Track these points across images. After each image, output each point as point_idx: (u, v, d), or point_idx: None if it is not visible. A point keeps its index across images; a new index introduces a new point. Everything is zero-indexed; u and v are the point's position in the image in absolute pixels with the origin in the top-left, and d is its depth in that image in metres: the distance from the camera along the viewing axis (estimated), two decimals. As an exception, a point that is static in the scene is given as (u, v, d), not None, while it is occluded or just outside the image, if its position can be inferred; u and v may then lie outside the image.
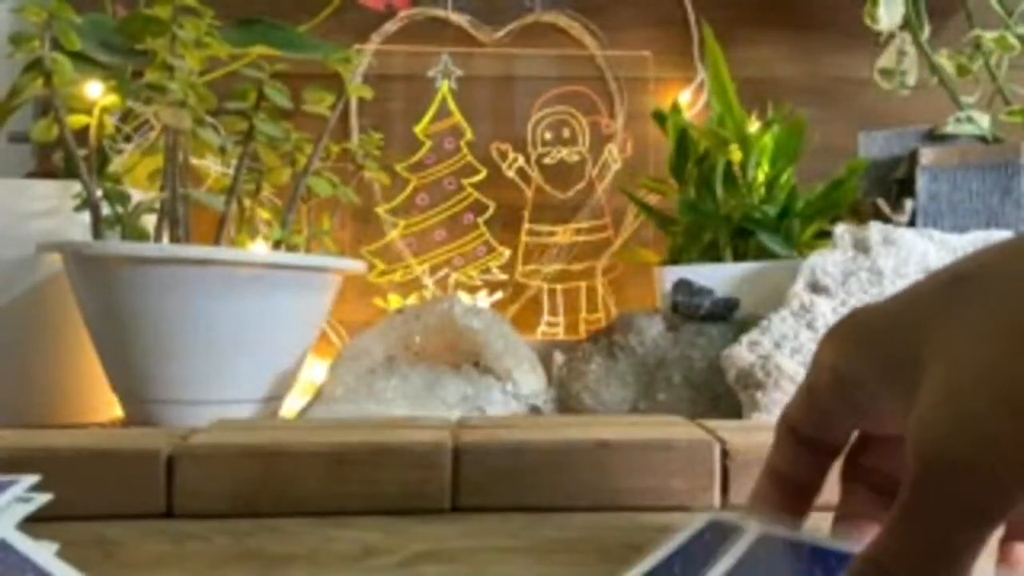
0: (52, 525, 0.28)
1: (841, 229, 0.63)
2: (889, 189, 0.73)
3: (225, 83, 0.64)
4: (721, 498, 0.36)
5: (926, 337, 0.21)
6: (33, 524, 0.26)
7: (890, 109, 0.87)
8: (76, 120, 0.59)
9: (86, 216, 0.58)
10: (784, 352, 0.55)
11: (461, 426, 0.39)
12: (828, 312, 0.57)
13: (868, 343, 0.23)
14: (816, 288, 0.60)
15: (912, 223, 0.69)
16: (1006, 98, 0.78)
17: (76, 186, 0.58)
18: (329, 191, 0.66)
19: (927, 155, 0.70)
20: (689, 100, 0.93)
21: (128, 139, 0.66)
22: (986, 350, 0.19)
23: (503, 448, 0.35)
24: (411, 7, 0.94)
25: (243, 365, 0.57)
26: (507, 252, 0.95)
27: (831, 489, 0.27)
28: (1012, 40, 0.76)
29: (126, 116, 0.65)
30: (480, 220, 0.95)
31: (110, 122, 0.62)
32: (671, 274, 0.68)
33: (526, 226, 0.95)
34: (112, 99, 0.60)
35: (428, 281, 0.93)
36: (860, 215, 0.72)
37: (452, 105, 0.95)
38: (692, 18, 0.95)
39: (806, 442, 0.26)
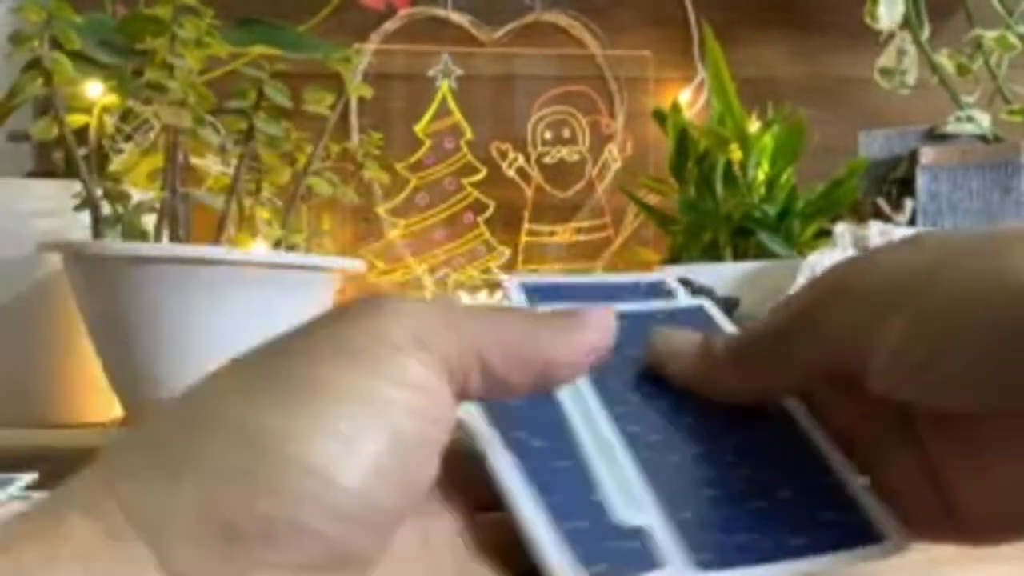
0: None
1: (841, 228, 0.63)
2: (889, 188, 0.73)
3: (225, 83, 0.64)
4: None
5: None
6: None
7: (890, 108, 0.87)
8: (76, 120, 0.59)
9: (86, 216, 0.58)
10: (784, 352, 0.55)
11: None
12: (828, 312, 0.57)
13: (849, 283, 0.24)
14: (816, 288, 0.60)
15: (912, 222, 0.69)
16: (1006, 97, 0.78)
17: (76, 186, 0.58)
18: (329, 191, 0.66)
19: (927, 154, 0.70)
20: (689, 100, 0.93)
21: (128, 139, 0.66)
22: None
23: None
24: (411, 6, 0.94)
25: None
26: (507, 252, 0.95)
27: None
28: (1012, 39, 0.76)
29: (126, 116, 0.65)
30: (480, 220, 0.95)
31: (110, 122, 0.62)
32: (671, 273, 0.68)
33: (526, 226, 0.95)
34: (112, 99, 0.60)
35: (428, 281, 0.93)
36: (860, 214, 0.72)
37: (452, 105, 0.95)
38: (692, 18, 0.95)
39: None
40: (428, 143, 0.95)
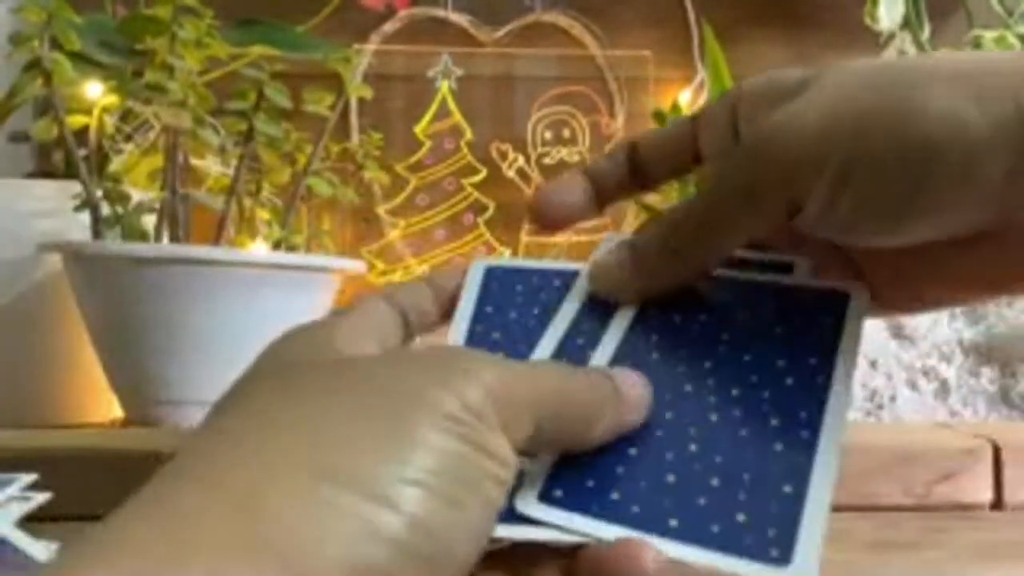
0: (52, 525, 0.28)
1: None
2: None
3: (225, 83, 0.64)
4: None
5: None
6: (33, 524, 0.26)
7: (890, 109, 0.87)
8: (76, 120, 0.59)
9: (86, 216, 0.58)
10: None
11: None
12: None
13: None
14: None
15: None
16: (1006, 98, 0.78)
17: (76, 186, 0.58)
18: (329, 191, 0.66)
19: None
20: (689, 100, 0.93)
21: (128, 139, 0.66)
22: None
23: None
24: (411, 7, 0.94)
25: (243, 365, 0.57)
26: (507, 252, 0.95)
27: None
28: (1012, 40, 0.76)
29: (126, 116, 0.65)
30: (480, 220, 0.95)
31: (110, 122, 0.62)
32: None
33: (526, 226, 0.95)
34: (112, 99, 0.60)
35: (428, 281, 0.93)
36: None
37: (452, 105, 0.95)
38: (692, 18, 0.95)
39: (635, 164, 0.29)
40: (428, 143, 0.95)
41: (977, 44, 0.77)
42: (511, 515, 0.22)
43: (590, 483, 0.22)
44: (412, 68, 0.95)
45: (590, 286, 0.27)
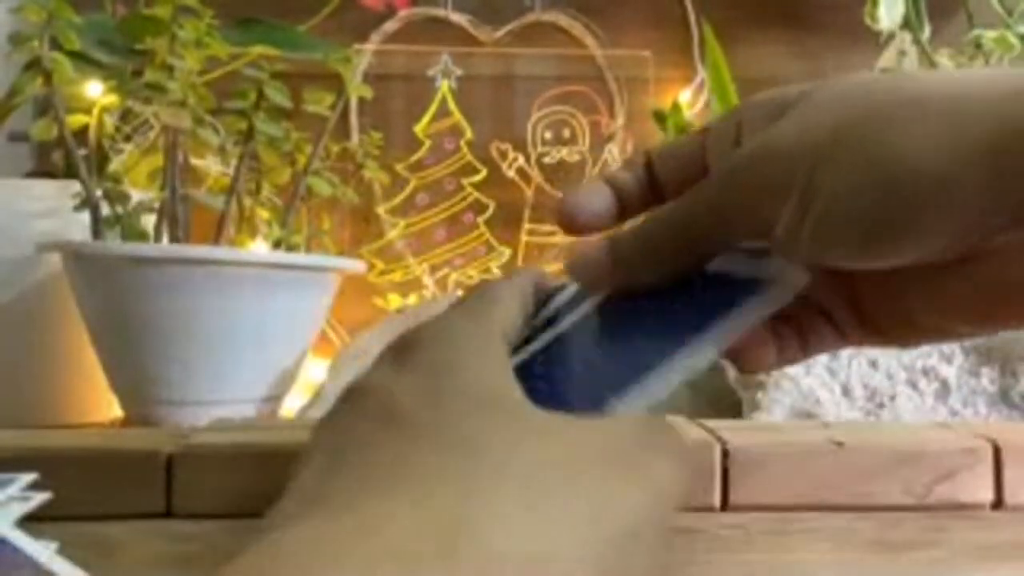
0: (52, 525, 0.28)
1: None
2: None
3: (225, 83, 0.64)
4: (721, 498, 0.36)
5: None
6: (33, 523, 0.26)
7: (890, 109, 0.87)
8: (76, 120, 0.59)
9: (86, 216, 0.58)
10: (784, 352, 0.55)
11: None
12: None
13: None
14: (816, 288, 0.60)
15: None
16: (1006, 98, 0.78)
17: (76, 186, 0.58)
18: (329, 191, 0.66)
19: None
20: (689, 100, 0.93)
21: (128, 139, 0.66)
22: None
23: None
24: (411, 7, 0.94)
25: (242, 365, 0.57)
26: (507, 252, 0.95)
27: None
28: (1012, 40, 0.76)
29: (126, 116, 0.65)
30: (480, 220, 0.95)
31: (110, 122, 0.62)
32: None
33: (526, 226, 0.95)
34: (112, 99, 0.60)
35: (428, 281, 0.93)
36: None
37: (452, 105, 0.95)
38: (692, 18, 0.95)
39: (649, 176, 0.30)
40: (428, 143, 0.95)
41: (977, 44, 0.77)
42: None
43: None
44: (412, 68, 0.95)
45: (569, 276, 0.29)
